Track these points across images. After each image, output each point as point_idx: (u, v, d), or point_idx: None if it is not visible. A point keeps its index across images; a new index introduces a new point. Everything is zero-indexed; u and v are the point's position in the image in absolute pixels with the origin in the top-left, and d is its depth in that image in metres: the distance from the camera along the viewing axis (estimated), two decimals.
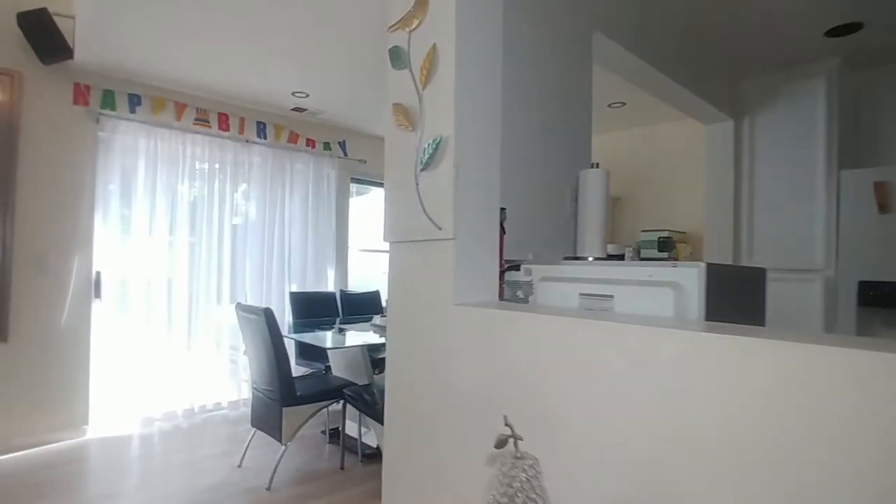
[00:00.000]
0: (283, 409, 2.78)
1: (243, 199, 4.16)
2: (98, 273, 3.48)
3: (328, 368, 3.71)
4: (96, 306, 3.48)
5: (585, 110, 2.18)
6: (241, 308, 2.94)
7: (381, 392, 2.97)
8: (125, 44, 3.09)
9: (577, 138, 2.13)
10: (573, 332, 1.06)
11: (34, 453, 3.11)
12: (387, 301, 1.61)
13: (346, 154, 4.81)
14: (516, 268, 1.48)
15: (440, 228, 1.36)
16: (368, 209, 5.30)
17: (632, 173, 4.59)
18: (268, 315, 2.71)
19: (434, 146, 1.37)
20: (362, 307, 4.50)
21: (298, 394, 2.83)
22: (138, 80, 3.62)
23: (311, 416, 2.91)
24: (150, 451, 3.26)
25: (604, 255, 1.68)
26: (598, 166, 1.73)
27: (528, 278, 1.44)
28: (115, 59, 3.29)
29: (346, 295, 4.47)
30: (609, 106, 3.94)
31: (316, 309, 4.22)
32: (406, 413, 1.50)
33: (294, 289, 4.39)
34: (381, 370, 3.53)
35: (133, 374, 3.58)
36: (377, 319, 3.59)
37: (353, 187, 5.03)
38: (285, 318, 4.33)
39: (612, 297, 1.22)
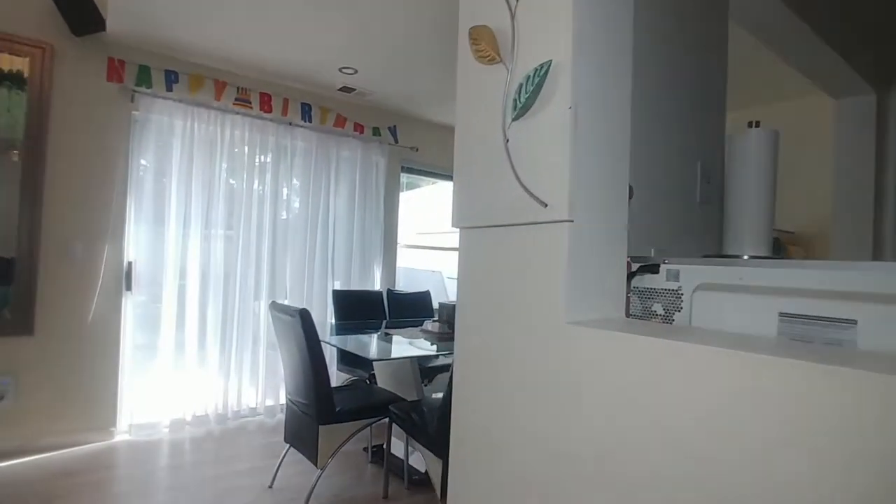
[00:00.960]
0: (320, 427, 2.38)
1: (285, 187, 3.82)
2: (130, 264, 3.22)
3: (372, 377, 3.30)
4: (127, 299, 3.22)
5: (720, 71, 1.65)
6: (276, 308, 2.57)
7: (432, 411, 2.53)
8: (160, 14, 2.79)
9: (708, 106, 1.60)
10: (829, 391, 0.56)
11: (57, 457, 2.86)
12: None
13: (396, 141, 4.41)
14: (651, 269, 0.99)
15: (545, 205, 0.88)
16: (419, 203, 4.89)
17: None
18: (304, 317, 2.32)
19: (538, 78, 0.90)
20: (411, 309, 4.08)
21: (337, 409, 2.42)
22: (175, 56, 3.33)
23: (352, 436, 2.49)
24: (177, 460, 2.95)
25: (768, 254, 1.15)
26: (758, 125, 1.20)
27: (673, 285, 0.94)
28: (150, 31, 3.01)
29: (393, 295, 4.07)
30: None
31: (360, 309, 3.83)
32: (479, 466, 1.03)
33: (337, 286, 4.03)
34: (430, 380, 3.10)
35: (164, 373, 3.30)
36: (429, 325, 3.14)
37: (403, 179, 4.63)
38: (327, 318, 3.97)
39: (853, 322, 0.70)
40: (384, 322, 3.86)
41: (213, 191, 3.46)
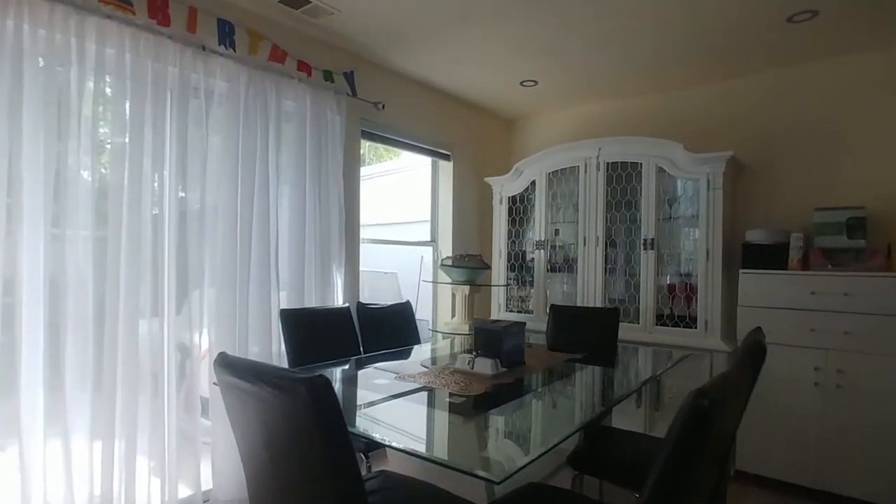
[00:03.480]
0: None
1: (198, 152, 2.40)
2: None
3: (370, 447, 2.10)
4: None
5: None
6: (231, 368, 1.27)
7: None
8: None
9: None
10: None
11: None
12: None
13: (354, 92, 3.15)
14: None
15: None
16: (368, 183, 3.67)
17: (778, 129, 3.31)
18: (319, 396, 1.08)
19: None
20: (392, 331, 2.89)
21: None
22: None
23: None
24: None
25: None
26: None
27: None
28: None
29: (366, 311, 2.84)
30: (789, 20, 2.60)
31: (323, 335, 2.57)
32: None
33: (284, 301, 2.70)
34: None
35: None
36: (481, 362, 1.98)
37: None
38: (272, 348, 2.65)
39: None
40: (356, 356, 2.65)
41: (65, 157, 1.97)
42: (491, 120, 4.46)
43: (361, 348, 2.71)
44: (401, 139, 3.59)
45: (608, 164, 3.56)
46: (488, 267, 3.65)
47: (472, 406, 1.63)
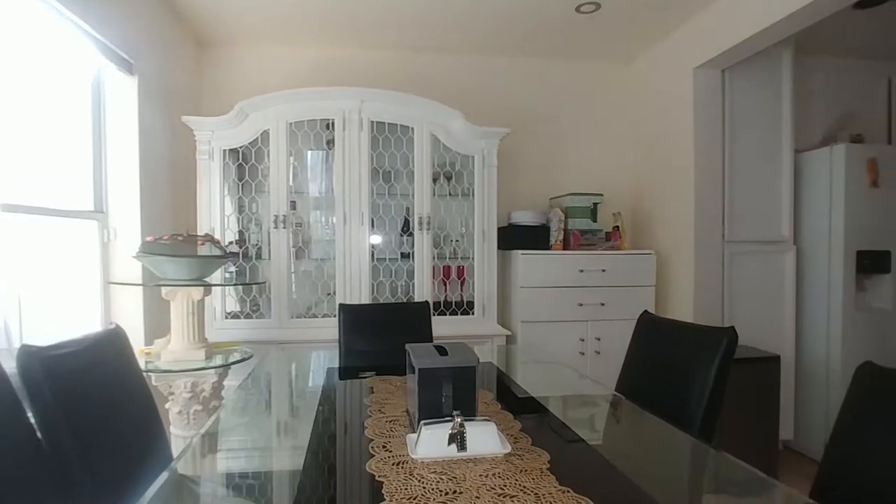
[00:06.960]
0: None
1: None
2: None
3: None
4: None
5: None
6: None
7: None
8: None
9: None
10: None
11: None
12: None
13: None
14: None
15: None
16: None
17: (534, 114, 3.46)
18: None
19: None
20: (109, 403, 1.41)
21: None
22: None
23: None
24: None
25: None
26: None
27: None
28: None
29: (45, 364, 1.23)
30: (577, 9, 2.66)
31: None
32: None
33: None
34: None
35: None
36: (477, 432, 1.01)
37: None
38: None
39: None
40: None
41: None
42: (183, 35, 2.94)
43: (55, 459, 1.17)
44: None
45: (374, 122, 2.89)
46: (228, 256, 2.37)
47: None
